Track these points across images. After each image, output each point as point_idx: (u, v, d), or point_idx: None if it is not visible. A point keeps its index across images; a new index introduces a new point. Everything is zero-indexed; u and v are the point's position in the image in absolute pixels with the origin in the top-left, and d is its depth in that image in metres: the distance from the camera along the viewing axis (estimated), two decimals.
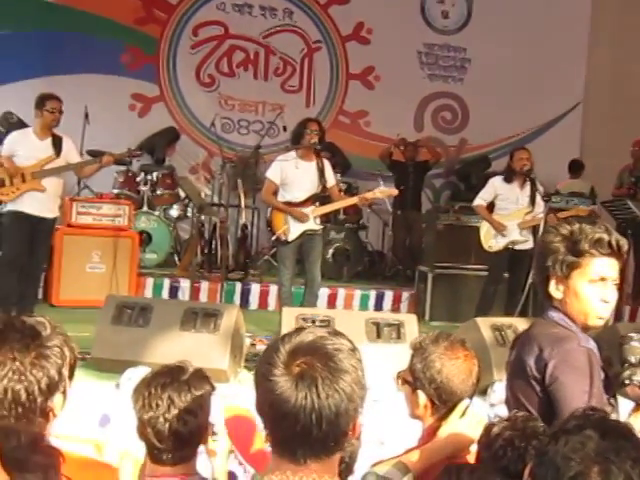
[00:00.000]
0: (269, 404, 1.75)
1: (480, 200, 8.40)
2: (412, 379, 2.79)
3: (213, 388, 2.64)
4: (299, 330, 1.86)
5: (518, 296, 7.77)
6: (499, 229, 8.22)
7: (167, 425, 2.48)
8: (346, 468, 2.59)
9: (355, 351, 1.84)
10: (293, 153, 7.72)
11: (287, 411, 1.72)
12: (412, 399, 2.84)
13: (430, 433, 2.76)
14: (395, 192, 8.34)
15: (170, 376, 2.57)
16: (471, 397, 2.77)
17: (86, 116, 10.13)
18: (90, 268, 8.74)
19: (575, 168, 11.96)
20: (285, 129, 10.20)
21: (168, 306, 6.43)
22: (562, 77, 12.82)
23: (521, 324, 6.52)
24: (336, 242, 10.44)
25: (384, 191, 8.03)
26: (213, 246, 9.73)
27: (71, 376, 2.06)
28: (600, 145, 12.02)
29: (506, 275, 8.43)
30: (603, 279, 2.61)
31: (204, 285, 9.27)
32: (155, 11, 11.99)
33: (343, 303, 9.56)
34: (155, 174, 10.33)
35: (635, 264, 9.72)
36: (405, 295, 9.79)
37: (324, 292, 9.43)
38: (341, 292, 9.65)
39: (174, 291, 9.14)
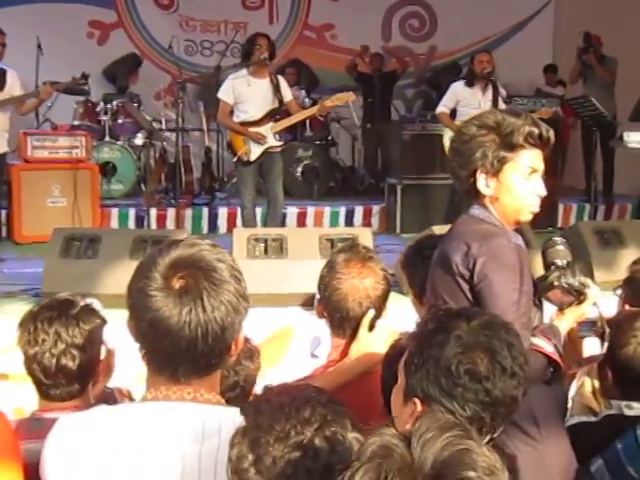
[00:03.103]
0: (149, 321, 1.65)
1: (442, 107, 8.21)
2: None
3: (104, 321, 2.54)
4: (174, 243, 1.74)
5: None
6: None
7: (54, 360, 2.39)
8: (242, 392, 2.48)
9: (234, 262, 1.75)
10: (244, 71, 7.53)
11: (170, 327, 1.63)
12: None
13: (337, 351, 2.64)
14: (353, 96, 8.13)
15: (58, 310, 2.47)
16: (378, 315, 2.64)
17: (39, 47, 9.85)
18: (51, 202, 8.58)
19: (548, 72, 11.77)
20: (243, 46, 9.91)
21: (116, 236, 6.33)
22: None
23: None
24: (304, 160, 10.25)
25: (341, 97, 7.82)
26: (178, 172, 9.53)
27: None
28: (572, 44, 11.69)
29: None
30: (534, 171, 2.50)
31: (170, 212, 9.14)
32: None
33: (313, 221, 9.44)
34: (115, 103, 10.08)
35: (603, 161, 9.59)
36: (375, 209, 9.66)
37: (293, 211, 9.33)
38: (310, 210, 9.51)
39: (140, 220, 9.00)
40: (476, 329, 1.77)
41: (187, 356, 1.66)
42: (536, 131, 2.47)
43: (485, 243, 2.39)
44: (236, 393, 2.46)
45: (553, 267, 2.56)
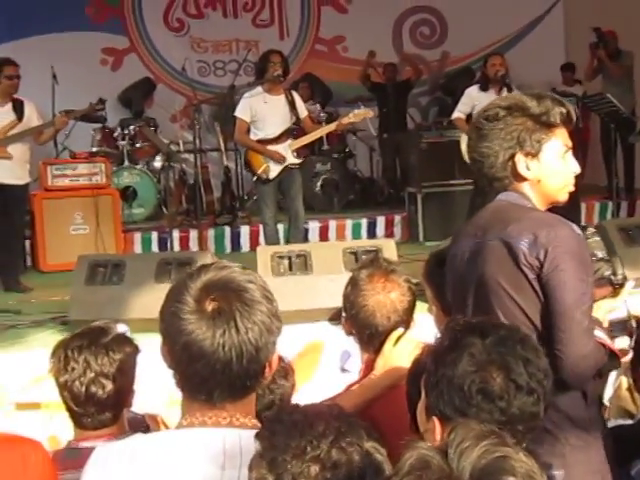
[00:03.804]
0: (182, 345, 1.65)
1: (458, 113, 8.18)
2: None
3: (137, 350, 2.56)
4: (205, 267, 1.76)
5: None
6: None
7: (83, 389, 2.42)
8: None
9: (265, 283, 1.76)
10: (260, 88, 7.54)
11: (204, 350, 1.63)
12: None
13: (367, 367, 2.63)
14: (370, 113, 8.14)
15: (88, 338, 2.51)
16: (406, 327, 2.62)
17: (54, 76, 9.86)
18: (74, 230, 8.63)
19: (565, 71, 11.72)
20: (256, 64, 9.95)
21: (141, 260, 6.35)
22: None
23: None
24: (323, 174, 10.26)
25: (359, 114, 7.81)
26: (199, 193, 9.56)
27: None
28: (585, 41, 11.64)
29: None
30: (568, 149, 2.48)
31: (193, 233, 9.16)
32: None
33: (335, 234, 9.43)
34: (132, 127, 10.15)
35: (624, 158, 9.52)
36: (397, 219, 9.64)
37: (315, 226, 9.33)
38: (332, 224, 9.50)
39: (163, 243, 9.01)
40: (490, 346, 1.73)
41: (222, 379, 1.66)
42: (564, 109, 2.43)
43: (553, 231, 2.30)
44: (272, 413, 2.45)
45: (594, 258, 2.52)
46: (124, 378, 2.47)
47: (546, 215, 2.43)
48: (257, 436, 1.49)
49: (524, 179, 2.44)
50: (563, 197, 2.50)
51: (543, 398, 1.72)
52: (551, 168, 2.43)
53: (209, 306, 1.66)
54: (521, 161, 2.41)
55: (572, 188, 2.50)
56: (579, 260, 2.30)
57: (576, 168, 2.48)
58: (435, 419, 1.73)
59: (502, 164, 2.43)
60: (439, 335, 1.90)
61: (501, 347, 1.73)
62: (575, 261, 2.29)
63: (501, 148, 2.43)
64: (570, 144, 2.48)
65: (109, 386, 2.41)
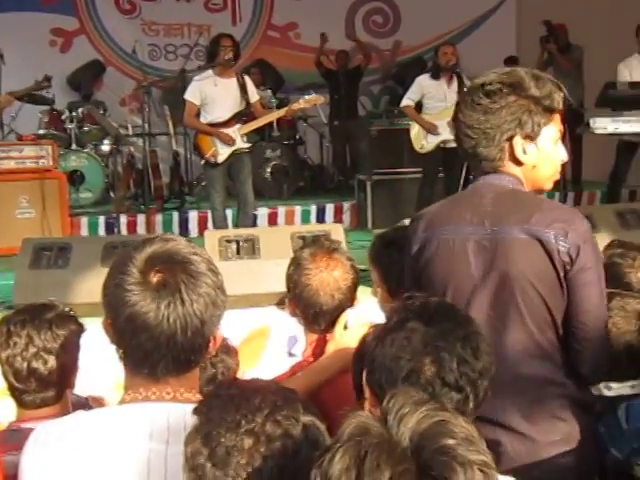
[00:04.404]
0: (126, 317, 1.63)
1: (407, 100, 8.21)
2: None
3: (81, 328, 2.52)
4: (150, 239, 1.73)
5: (454, 193, 7.66)
6: (430, 129, 8.05)
7: (25, 364, 2.37)
8: None
9: (210, 257, 1.75)
10: (210, 71, 7.50)
11: (149, 322, 1.61)
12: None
13: (313, 348, 2.62)
14: (321, 99, 8.14)
15: (31, 313, 2.46)
16: (350, 305, 2.62)
17: (1, 57, 9.72)
18: (20, 214, 8.50)
19: (509, 65, 11.79)
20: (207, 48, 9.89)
21: (87, 244, 6.28)
22: None
23: None
24: (273, 160, 10.24)
25: (309, 99, 7.79)
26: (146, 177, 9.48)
27: None
28: (537, 34, 11.74)
29: (441, 175, 8.30)
30: (561, 137, 2.35)
31: (141, 218, 9.09)
32: None
33: (284, 221, 9.42)
34: (80, 110, 10.01)
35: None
36: (346, 206, 9.66)
37: (264, 212, 9.30)
38: (281, 210, 9.50)
39: (110, 227, 8.93)
40: (430, 337, 1.70)
41: (166, 352, 1.64)
42: (562, 94, 2.32)
43: (581, 226, 2.19)
44: (214, 387, 2.44)
45: None
46: (67, 355, 2.43)
47: (564, 206, 2.38)
48: (195, 411, 1.48)
49: (520, 163, 2.28)
50: (549, 185, 2.38)
51: (474, 397, 1.69)
52: (546, 154, 2.30)
53: (154, 278, 1.63)
54: (519, 144, 2.26)
55: (558, 176, 2.40)
56: (599, 257, 2.27)
57: (565, 156, 2.37)
58: (368, 391, 1.74)
59: (498, 144, 2.27)
60: (390, 311, 1.88)
61: (440, 341, 1.70)
62: (598, 258, 2.25)
63: (500, 127, 2.25)
64: (562, 130, 2.36)
65: (51, 362, 2.37)
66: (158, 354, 1.64)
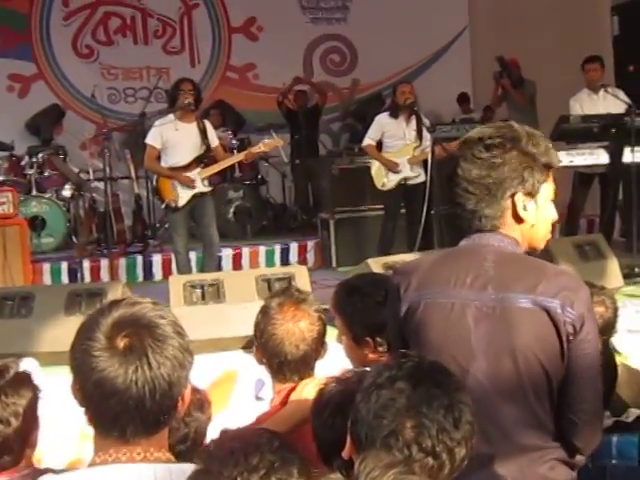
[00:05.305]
0: (94, 383, 1.65)
1: (368, 140, 8.32)
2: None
3: (36, 392, 2.51)
4: (116, 303, 1.76)
5: (416, 229, 7.77)
6: (392, 167, 8.14)
7: None
8: (193, 444, 2.47)
9: (176, 319, 1.77)
10: (171, 116, 7.51)
11: (117, 387, 1.63)
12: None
13: (280, 397, 2.65)
14: (280, 142, 8.21)
15: None
16: (317, 356, 2.65)
17: None
18: None
19: (462, 102, 12.08)
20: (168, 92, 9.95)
21: (50, 292, 6.21)
22: (445, 3, 12.72)
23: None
24: (235, 201, 10.26)
25: (269, 143, 7.84)
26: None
27: None
28: (491, 69, 11.96)
29: (403, 211, 8.38)
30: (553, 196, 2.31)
31: (104, 263, 9.00)
32: None
33: (249, 261, 9.41)
34: (41, 155, 9.96)
35: None
36: (310, 245, 9.68)
37: (228, 253, 9.29)
38: (245, 251, 9.48)
39: (73, 273, 8.87)
40: (414, 401, 1.71)
41: (135, 415, 1.66)
42: (555, 152, 2.29)
43: (583, 295, 2.13)
44: (187, 445, 2.45)
45: None
46: (21, 421, 2.42)
47: (567, 271, 2.29)
48: (198, 454, 1.53)
49: (520, 221, 2.21)
50: (542, 245, 2.32)
51: (450, 464, 1.69)
52: (544, 212, 2.25)
53: (121, 342, 1.66)
54: (520, 200, 2.19)
55: (550, 237, 2.34)
56: (596, 322, 2.22)
57: (556, 215, 2.30)
58: (349, 438, 1.77)
59: (500, 200, 2.19)
60: (378, 366, 1.85)
61: (424, 406, 1.70)
62: (596, 327, 2.18)
63: (502, 183, 2.17)
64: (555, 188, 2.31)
65: (3, 430, 2.37)
66: (127, 417, 1.66)
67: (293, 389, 2.60)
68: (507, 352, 2.10)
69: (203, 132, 7.52)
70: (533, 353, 2.09)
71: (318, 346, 2.62)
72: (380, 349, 2.72)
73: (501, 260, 2.17)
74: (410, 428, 1.68)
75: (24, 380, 2.48)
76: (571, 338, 2.09)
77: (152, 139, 7.46)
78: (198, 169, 7.46)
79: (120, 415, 1.66)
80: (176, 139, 7.40)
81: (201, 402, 2.55)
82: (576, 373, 2.13)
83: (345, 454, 1.76)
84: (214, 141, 7.62)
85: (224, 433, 1.65)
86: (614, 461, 2.54)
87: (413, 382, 1.74)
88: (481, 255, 2.19)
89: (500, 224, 2.20)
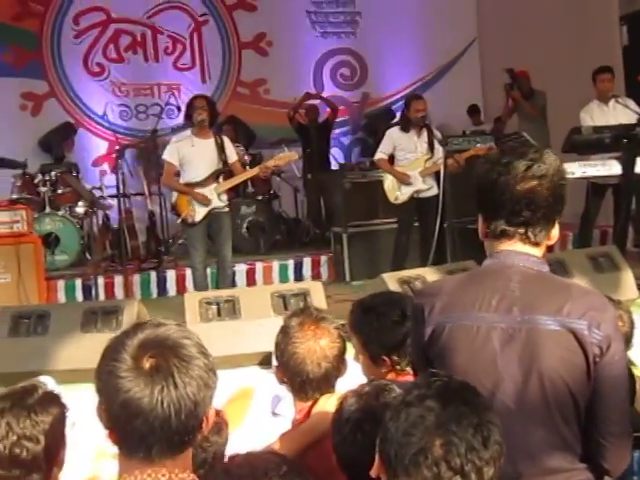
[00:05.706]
0: (120, 404, 1.67)
1: (380, 154, 8.32)
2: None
3: (63, 409, 2.52)
4: (141, 325, 1.78)
5: (429, 243, 7.77)
6: (404, 180, 8.14)
7: (7, 451, 2.38)
8: (210, 469, 2.47)
9: (200, 340, 1.80)
10: (188, 132, 7.59)
11: (143, 407, 1.65)
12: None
13: (304, 415, 2.65)
14: (295, 156, 8.21)
15: (11, 400, 2.47)
16: (338, 373, 2.66)
17: None
18: None
19: (472, 113, 12.09)
20: (180, 109, 10.02)
21: (66, 310, 6.24)
22: (454, 15, 12.77)
23: (431, 273, 6.48)
24: (248, 216, 10.28)
25: (283, 157, 7.86)
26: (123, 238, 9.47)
27: None
28: (501, 80, 11.98)
29: (417, 225, 8.38)
30: None
31: (118, 279, 9.04)
32: (31, 4, 11.61)
33: (262, 276, 9.42)
34: (54, 173, 10.01)
35: None
36: (323, 259, 9.69)
37: (242, 268, 9.30)
38: (259, 266, 9.50)
39: (87, 290, 8.89)
40: (443, 419, 1.70)
41: (161, 435, 1.68)
42: None
43: (609, 315, 2.12)
44: (205, 470, 2.45)
45: None
46: (50, 439, 2.43)
47: (593, 291, 2.27)
48: None
49: (549, 240, 2.27)
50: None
51: None
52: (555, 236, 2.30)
53: (146, 363, 1.68)
54: (556, 226, 2.28)
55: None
56: (623, 342, 2.21)
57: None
58: (377, 457, 1.77)
59: (545, 228, 2.23)
60: (408, 385, 1.86)
61: (453, 425, 1.69)
62: (622, 348, 2.17)
63: (558, 211, 2.23)
64: None
65: (33, 448, 2.37)
66: (153, 437, 1.68)
67: (314, 404, 2.60)
68: (533, 374, 2.09)
69: (220, 147, 7.54)
70: (559, 375, 2.08)
71: (339, 363, 2.63)
72: (397, 367, 2.73)
73: (526, 280, 2.17)
74: (439, 446, 1.68)
75: (53, 399, 2.49)
76: (597, 359, 2.07)
77: (169, 155, 7.49)
78: (214, 184, 7.48)
79: (146, 436, 1.67)
80: (192, 155, 7.43)
81: (219, 426, 2.55)
82: (602, 395, 2.11)
83: (374, 473, 1.77)
84: (232, 156, 7.63)
85: (233, 458, 1.66)
86: (635, 478, 2.52)
87: (442, 401, 1.73)
88: (506, 275, 2.19)
89: (532, 249, 2.23)
